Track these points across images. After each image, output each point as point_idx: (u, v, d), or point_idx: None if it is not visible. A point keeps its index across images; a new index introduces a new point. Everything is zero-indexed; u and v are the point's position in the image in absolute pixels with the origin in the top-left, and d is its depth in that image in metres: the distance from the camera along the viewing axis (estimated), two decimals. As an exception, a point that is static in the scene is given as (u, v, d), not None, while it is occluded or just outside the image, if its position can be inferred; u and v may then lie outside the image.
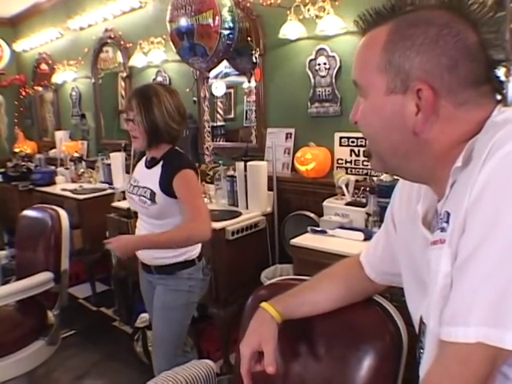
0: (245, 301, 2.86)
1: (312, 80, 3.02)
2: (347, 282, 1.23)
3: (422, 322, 0.85)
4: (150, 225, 2.16)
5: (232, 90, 3.82)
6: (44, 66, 6.10)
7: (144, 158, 2.26)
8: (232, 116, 3.88)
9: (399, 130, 0.82)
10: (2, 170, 5.62)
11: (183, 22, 3.08)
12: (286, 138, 3.22)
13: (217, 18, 2.96)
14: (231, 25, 3.01)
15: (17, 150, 6.27)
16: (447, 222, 0.76)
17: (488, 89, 0.80)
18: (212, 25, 2.97)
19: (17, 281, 2.66)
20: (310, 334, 1.28)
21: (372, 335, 1.20)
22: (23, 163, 5.53)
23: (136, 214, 2.37)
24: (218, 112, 3.90)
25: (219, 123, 3.82)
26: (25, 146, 6.37)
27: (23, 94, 6.70)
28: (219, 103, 3.90)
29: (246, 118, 3.75)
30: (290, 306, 1.21)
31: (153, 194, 2.07)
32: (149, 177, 2.13)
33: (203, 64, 3.13)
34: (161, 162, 2.12)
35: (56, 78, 5.57)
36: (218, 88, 3.69)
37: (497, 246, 0.66)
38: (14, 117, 6.75)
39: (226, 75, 3.63)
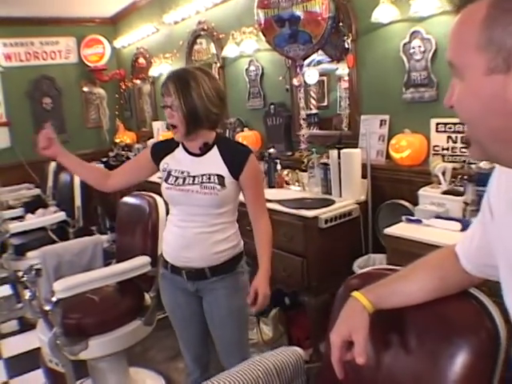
0: (336, 290, 2.86)
1: (406, 64, 2.92)
2: (442, 274, 1.19)
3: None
4: (206, 216, 2.01)
5: (325, 78, 3.77)
6: (141, 60, 6.33)
7: (179, 149, 2.09)
8: (325, 104, 3.83)
9: (500, 114, 0.76)
10: (105, 159, 5.92)
11: (287, 9, 3.07)
12: (381, 124, 3.15)
13: (324, 5, 2.95)
14: (334, 12, 3.00)
15: (117, 140, 6.59)
16: None
17: None
18: (320, 12, 2.96)
19: (117, 263, 2.81)
20: (401, 326, 1.26)
21: (466, 330, 1.16)
22: (123, 152, 5.80)
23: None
24: (310, 100, 3.87)
25: (313, 111, 3.78)
26: (125, 137, 6.68)
27: (123, 87, 7.00)
28: (312, 91, 3.87)
29: (340, 106, 3.68)
30: (381, 295, 1.20)
31: (221, 178, 1.97)
32: (206, 163, 2.01)
33: (301, 52, 3.12)
34: (215, 147, 2.03)
35: (152, 71, 5.77)
36: (311, 76, 3.66)
37: None
38: (114, 109, 7.07)
39: (319, 63, 3.59)
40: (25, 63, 6.42)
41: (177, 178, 2.03)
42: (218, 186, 1.95)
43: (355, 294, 1.20)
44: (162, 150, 2.14)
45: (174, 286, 2.15)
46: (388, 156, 3.08)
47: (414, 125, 2.94)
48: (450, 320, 1.19)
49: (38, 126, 6.42)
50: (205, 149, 2.03)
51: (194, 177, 1.99)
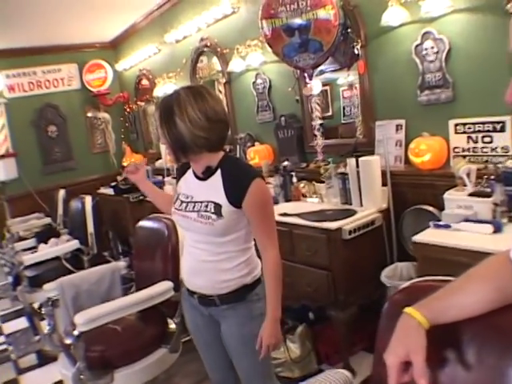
0: (364, 302, 2.78)
1: (420, 66, 2.86)
2: (499, 284, 1.10)
3: None
4: (210, 244, 1.89)
5: (328, 88, 3.73)
6: (145, 82, 6.30)
7: (190, 171, 2.00)
8: (330, 113, 3.78)
9: None
10: (113, 183, 5.87)
11: (296, 17, 3.02)
12: (397, 129, 3.08)
13: (334, 11, 2.90)
14: (343, 18, 2.96)
15: (125, 163, 6.53)
16: None
17: None
18: (331, 19, 2.91)
19: (137, 290, 2.71)
20: (456, 341, 1.16)
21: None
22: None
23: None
24: (315, 110, 3.80)
25: (318, 121, 3.72)
26: (132, 159, 6.59)
27: (127, 110, 6.97)
28: (316, 102, 3.81)
29: (344, 115, 3.64)
30: (436, 310, 1.10)
31: (218, 207, 1.81)
32: (207, 189, 1.88)
33: (311, 61, 3.06)
34: (218, 171, 1.88)
35: (157, 92, 5.71)
36: (315, 86, 3.59)
37: None
38: (120, 133, 7.04)
39: (321, 73, 3.54)
40: (28, 93, 6.42)
41: (182, 202, 1.96)
42: (214, 216, 1.81)
43: (408, 310, 1.11)
44: (180, 171, 2.08)
45: (193, 307, 2.06)
46: (407, 161, 3.02)
47: (431, 127, 2.88)
48: (510, 331, 1.09)
49: (45, 154, 6.42)
50: (208, 173, 1.90)
51: (195, 203, 1.90)
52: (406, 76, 2.98)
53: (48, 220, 5.47)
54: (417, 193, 2.90)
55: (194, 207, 1.88)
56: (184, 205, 1.93)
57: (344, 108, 3.64)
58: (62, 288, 2.76)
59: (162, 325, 2.65)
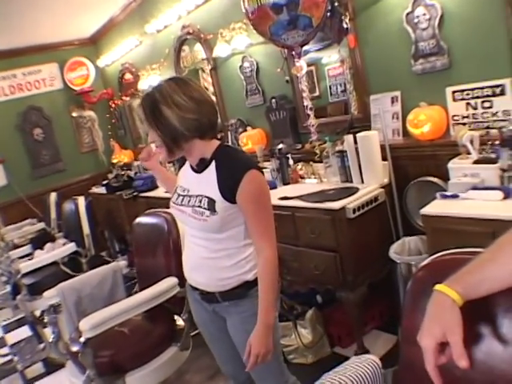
0: (374, 280, 2.70)
1: (412, 35, 2.77)
2: None
3: None
4: (207, 241, 1.79)
5: (313, 68, 3.65)
6: (128, 76, 6.19)
7: (188, 162, 1.90)
8: (317, 94, 3.70)
9: None
10: (105, 182, 5.78)
11: None
12: (392, 102, 3.01)
13: None
14: None
15: (115, 160, 6.43)
16: None
17: None
18: None
19: (140, 289, 2.63)
20: (491, 314, 1.10)
21: None
22: (123, 172, 5.63)
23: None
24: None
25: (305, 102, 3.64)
26: (122, 156, 6.52)
27: (113, 106, 6.84)
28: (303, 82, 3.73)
29: (331, 94, 3.56)
30: (469, 285, 1.03)
31: (211, 202, 1.71)
32: (201, 182, 1.78)
33: (300, 38, 2.96)
34: (213, 163, 1.77)
35: (141, 85, 5.61)
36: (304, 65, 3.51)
37: None
38: (107, 130, 6.94)
39: (306, 53, 3.44)
40: (10, 97, 6.26)
41: (178, 195, 1.88)
42: (207, 212, 1.71)
43: (440, 287, 1.03)
44: (181, 162, 2.00)
45: (197, 301, 1.98)
46: (405, 133, 2.95)
47: (428, 97, 2.81)
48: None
49: (33, 158, 6.30)
50: (202, 165, 1.80)
51: (190, 197, 1.81)
52: (398, 46, 2.90)
53: (42, 225, 5.39)
54: (418, 165, 2.84)
55: (189, 201, 1.80)
56: (180, 198, 1.85)
57: (330, 87, 3.56)
58: (62, 294, 2.68)
59: (170, 322, 2.58)
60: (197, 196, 1.77)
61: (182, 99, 1.69)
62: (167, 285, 2.43)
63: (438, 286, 1.03)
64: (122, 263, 3.02)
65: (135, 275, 2.95)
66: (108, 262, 3.15)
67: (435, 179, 2.67)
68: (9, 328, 4.67)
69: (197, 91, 1.75)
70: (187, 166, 1.91)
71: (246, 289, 1.81)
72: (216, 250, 1.79)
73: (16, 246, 4.85)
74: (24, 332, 4.36)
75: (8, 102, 6.22)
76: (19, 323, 4.56)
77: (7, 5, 4.39)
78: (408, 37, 2.80)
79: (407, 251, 2.76)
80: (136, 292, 2.69)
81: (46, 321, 2.55)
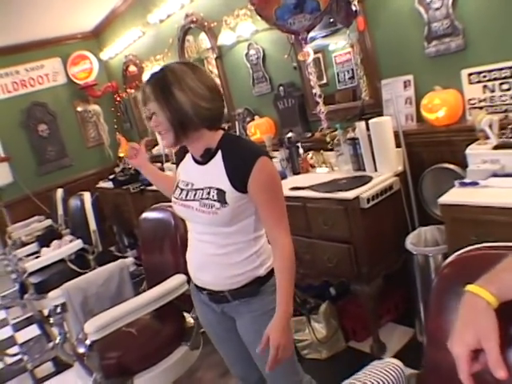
0: (389, 272, 2.58)
1: (424, 15, 2.65)
2: None
3: None
4: (215, 236, 1.70)
5: (320, 55, 3.55)
6: (132, 68, 6.11)
7: (189, 155, 1.80)
8: (325, 81, 3.60)
9: None
10: (112, 176, 5.72)
11: None
12: (405, 86, 2.89)
13: None
14: None
15: (121, 154, 6.34)
16: None
17: None
18: None
19: (148, 287, 2.56)
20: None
21: None
22: (129, 166, 5.55)
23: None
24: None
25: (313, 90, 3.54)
26: (126, 144, 6.43)
27: (117, 99, 6.77)
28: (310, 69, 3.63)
29: (339, 81, 3.47)
30: (504, 285, 0.92)
31: (221, 193, 1.62)
32: (207, 174, 1.68)
33: (307, 22, 2.86)
34: (219, 153, 1.67)
35: (146, 76, 5.52)
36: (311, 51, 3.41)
37: None
38: (112, 123, 6.89)
39: (312, 40, 3.34)
40: (13, 93, 6.21)
41: (181, 190, 1.77)
42: (217, 204, 1.62)
43: (472, 288, 0.92)
44: (180, 155, 1.88)
45: (203, 303, 1.88)
46: (419, 119, 2.84)
47: (443, 80, 2.69)
48: None
49: (38, 155, 6.25)
50: (207, 156, 1.70)
51: (196, 190, 1.71)
52: (410, 28, 2.78)
53: (49, 222, 5.34)
54: (433, 151, 2.73)
55: (195, 195, 1.70)
56: (184, 193, 1.75)
57: (338, 74, 3.47)
58: (68, 294, 2.60)
59: (180, 321, 2.49)
60: (203, 189, 1.68)
61: (196, 85, 1.60)
62: (176, 282, 2.34)
63: (469, 287, 0.93)
64: (128, 260, 2.93)
65: (142, 272, 2.87)
66: (116, 257, 3.08)
67: (452, 166, 2.56)
68: (18, 327, 4.66)
69: (210, 78, 1.68)
70: (187, 159, 1.80)
71: (258, 285, 1.72)
72: (224, 246, 1.70)
73: (23, 244, 4.81)
74: (33, 330, 4.34)
75: (12, 99, 6.18)
76: (29, 321, 4.55)
77: (7, 0, 4.31)
78: (420, 18, 2.68)
79: (423, 242, 2.66)
80: (144, 290, 2.61)
81: (51, 322, 2.46)
